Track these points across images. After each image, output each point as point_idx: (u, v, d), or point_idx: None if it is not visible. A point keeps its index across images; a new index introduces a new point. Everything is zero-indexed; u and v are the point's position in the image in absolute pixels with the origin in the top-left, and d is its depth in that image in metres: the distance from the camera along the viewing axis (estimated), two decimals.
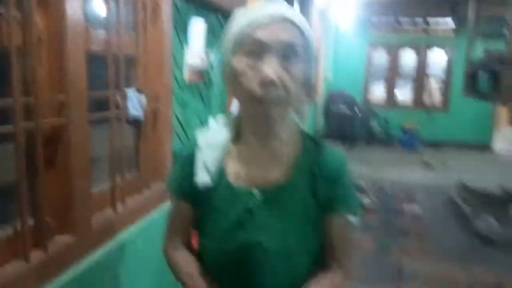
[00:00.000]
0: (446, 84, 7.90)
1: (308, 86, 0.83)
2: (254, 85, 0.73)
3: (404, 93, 8.64)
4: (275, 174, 0.83)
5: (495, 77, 3.39)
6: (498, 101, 3.29)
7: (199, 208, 0.87)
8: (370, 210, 4.13)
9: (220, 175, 0.84)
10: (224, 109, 2.59)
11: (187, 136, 2.04)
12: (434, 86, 8.57)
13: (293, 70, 0.75)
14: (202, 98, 2.25)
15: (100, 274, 1.21)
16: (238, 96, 0.80)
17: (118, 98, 1.32)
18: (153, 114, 1.57)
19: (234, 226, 0.81)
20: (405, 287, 2.65)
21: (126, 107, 1.34)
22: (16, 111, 0.91)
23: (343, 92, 7.85)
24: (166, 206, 1.63)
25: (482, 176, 5.73)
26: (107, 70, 1.26)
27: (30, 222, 1.01)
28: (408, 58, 8.29)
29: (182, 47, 1.88)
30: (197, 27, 2.00)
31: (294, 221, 0.81)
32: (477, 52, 4.76)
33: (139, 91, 1.40)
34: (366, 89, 8.37)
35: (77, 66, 1.08)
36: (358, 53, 8.18)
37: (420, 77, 8.12)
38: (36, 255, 1.00)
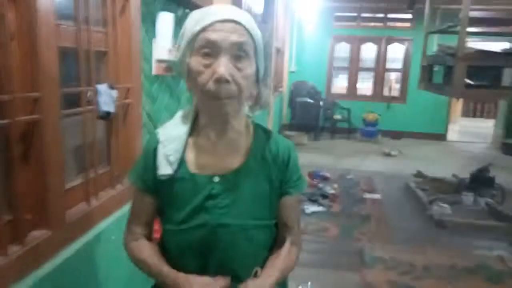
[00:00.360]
0: (404, 77, 8.24)
1: (263, 80, 0.92)
2: (209, 83, 0.80)
3: (365, 85, 8.94)
4: (232, 161, 0.91)
5: (448, 71, 3.60)
6: (451, 94, 3.50)
7: (162, 197, 0.93)
8: (334, 197, 4.29)
9: (181, 165, 0.91)
10: (192, 101, 2.62)
11: (155, 128, 2.06)
12: (393, 78, 8.94)
13: (243, 68, 0.82)
14: (171, 92, 2.26)
15: (77, 266, 1.24)
16: (195, 92, 0.87)
17: (90, 93, 1.33)
18: (124, 108, 1.59)
19: (197, 210, 0.88)
20: (366, 271, 2.81)
21: (97, 102, 1.35)
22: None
23: (307, 83, 8.02)
24: None
25: (437, 164, 6.08)
26: (78, 66, 1.27)
27: (7, 217, 1.02)
28: (369, 51, 8.57)
29: (150, 41, 1.89)
30: (165, 20, 2.01)
31: (251, 202, 0.91)
32: (433, 46, 5.01)
33: (111, 86, 1.41)
34: (329, 81, 8.58)
35: (49, 62, 1.09)
36: (321, 46, 8.35)
37: (380, 70, 8.42)
38: (13, 250, 1.01)
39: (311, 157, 6.30)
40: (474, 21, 4.04)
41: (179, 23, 2.17)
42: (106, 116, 1.39)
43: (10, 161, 1.01)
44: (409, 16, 7.94)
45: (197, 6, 2.38)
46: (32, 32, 1.03)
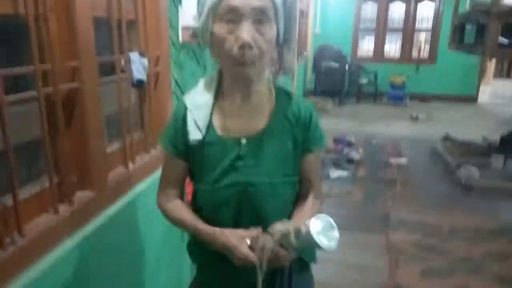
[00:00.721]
0: (434, 37, 7.92)
1: (286, 44, 0.95)
2: (233, 49, 0.83)
3: (393, 47, 8.66)
4: (257, 123, 0.96)
5: (481, 30, 3.46)
6: (483, 54, 3.37)
7: (193, 160, 0.99)
8: (359, 162, 4.31)
9: (209, 130, 0.95)
10: (217, 68, 2.65)
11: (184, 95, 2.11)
12: (422, 39, 8.59)
13: (265, 32, 0.85)
14: (197, 59, 2.29)
15: (119, 225, 1.34)
16: (220, 58, 0.90)
17: (123, 62, 1.38)
18: (154, 76, 1.64)
19: (227, 170, 0.94)
20: (391, 233, 2.86)
21: (131, 70, 1.40)
22: (37, 78, 0.98)
23: (332, 47, 7.83)
24: None
25: (467, 127, 5.94)
26: (111, 35, 1.31)
27: (55, 179, 1.11)
28: (397, 11, 8.23)
29: (176, 8, 1.91)
30: None
31: (276, 161, 0.96)
32: (465, 4, 4.78)
33: (142, 54, 1.46)
34: (355, 44, 8.35)
35: (86, 32, 1.13)
36: (346, 7, 8.08)
37: (409, 30, 8.11)
38: (63, 209, 1.11)
39: (336, 122, 6.27)
40: None
41: None
42: (140, 84, 1.45)
43: (55, 126, 1.09)
44: None
45: None
46: (69, 2, 1.07)
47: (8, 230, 0.94)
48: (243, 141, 0.95)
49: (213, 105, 0.97)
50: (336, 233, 0.79)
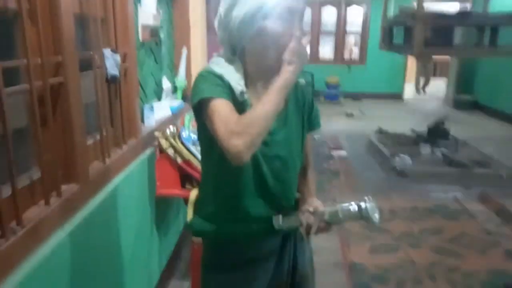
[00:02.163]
0: (364, 40, 8.53)
1: None
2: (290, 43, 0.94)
3: (327, 49, 9.16)
4: None
5: (408, 32, 3.85)
6: (411, 53, 3.76)
7: None
8: None
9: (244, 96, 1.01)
10: (172, 67, 2.70)
11: (145, 94, 2.15)
12: (352, 42, 9.20)
13: (303, 27, 1.01)
14: (155, 57, 2.34)
15: (101, 217, 1.37)
16: (267, 51, 0.99)
17: (97, 58, 1.41)
18: (123, 72, 1.67)
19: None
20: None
21: (105, 66, 1.44)
22: (30, 71, 1.01)
23: None
24: (140, 159, 1.79)
25: (396, 121, 6.49)
26: (88, 32, 1.35)
27: (43, 172, 1.12)
28: (329, 15, 8.73)
29: (136, 7, 1.95)
30: None
31: (295, 137, 1.11)
32: (391, 9, 5.24)
33: (114, 51, 1.50)
34: None
35: (68, 28, 1.17)
36: None
37: (340, 33, 8.64)
38: (53, 200, 1.13)
39: None
40: None
41: None
42: (113, 79, 1.48)
43: (41, 121, 1.10)
44: None
45: None
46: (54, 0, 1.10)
47: (7, 220, 0.96)
48: None
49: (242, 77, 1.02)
50: (379, 212, 1.01)
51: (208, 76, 1.00)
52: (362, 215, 0.99)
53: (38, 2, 1.06)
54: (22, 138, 1.11)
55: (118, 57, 1.51)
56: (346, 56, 8.77)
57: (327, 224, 1.07)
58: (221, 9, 1.03)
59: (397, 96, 8.61)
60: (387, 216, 3.15)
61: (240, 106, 0.98)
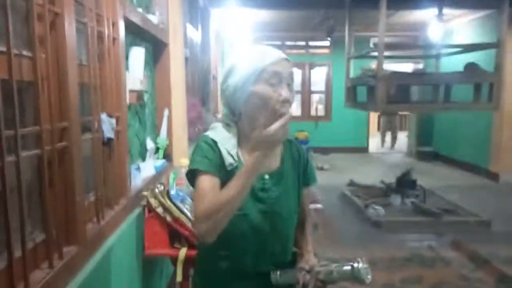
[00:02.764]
0: (328, 98, 9.02)
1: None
2: (277, 104, 1.03)
3: (294, 107, 9.57)
4: (272, 163, 1.15)
5: (371, 90, 4.17)
6: (375, 109, 4.04)
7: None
8: None
9: (238, 160, 1.10)
10: (155, 127, 2.78)
11: (131, 155, 2.20)
12: (317, 100, 9.71)
13: (292, 91, 1.09)
14: (139, 119, 2.42)
15: (99, 277, 1.36)
16: (259, 112, 1.05)
17: (95, 122, 1.48)
18: (115, 135, 1.73)
19: (254, 199, 1.09)
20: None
21: (102, 130, 1.50)
22: (43, 137, 1.06)
23: None
24: (130, 219, 1.80)
25: (365, 173, 6.73)
26: (89, 98, 1.42)
27: (45, 235, 1.14)
28: (295, 76, 9.24)
29: (124, 73, 2.06)
30: (137, 54, 2.20)
31: (290, 194, 1.17)
32: (353, 69, 5.66)
33: (109, 115, 1.57)
34: None
35: (74, 96, 1.24)
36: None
37: (306, 92, 9.12)
38: (56, 263, 1.13)
39: None
40: (386, 46, 4.69)
41: (146, 57, 2.37)
42: (109, 141, 1.54)
43: (49, 183, 1.14)
44: (327, 43, 8.79)
45: (160, 42, 2.60)
46: (62, 70, 1.19)
47: (15, 283, 0.96)
48: (266, 176, 1.12)
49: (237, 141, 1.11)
50: (370, 273, 1.05)
51: (203, 146, 1.09)
52: (354, 276, 1.03)
53: (50, 73, 1.14)
54: (28, 201, 1.12)
55: (113, 121, 1.58)
56: (313, 113, 9.19)
57: (323, 283, 1.09)
58: (221, 77, 1.15)
59: (363, 150, 8.99)
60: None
61: (232, 171, 1.06)
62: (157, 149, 2.71)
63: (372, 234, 4.00)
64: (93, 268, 1.32)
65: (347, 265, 1.04)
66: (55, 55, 1.18)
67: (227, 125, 1.15)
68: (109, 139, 1.54)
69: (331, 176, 6.65)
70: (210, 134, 1.13)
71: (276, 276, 1.11)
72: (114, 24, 1.68)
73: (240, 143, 1.14)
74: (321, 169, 7.21)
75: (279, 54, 1.09)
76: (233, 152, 1.10)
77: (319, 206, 4.90)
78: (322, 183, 6.53)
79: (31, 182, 1.10)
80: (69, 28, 1.21)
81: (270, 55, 1.08)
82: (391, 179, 5.11)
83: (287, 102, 1.05)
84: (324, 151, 8.75)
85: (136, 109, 2.32)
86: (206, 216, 0.97)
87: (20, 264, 0.97)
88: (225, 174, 1.06)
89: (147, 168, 2.29)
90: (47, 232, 1.10)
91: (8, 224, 0.90)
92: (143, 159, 2.43)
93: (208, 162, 1.06)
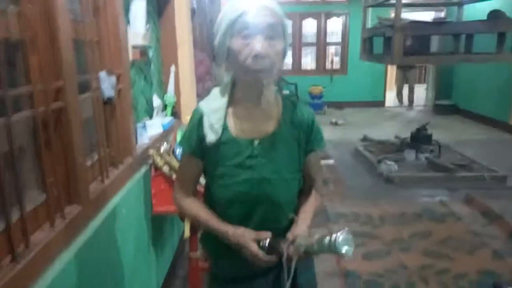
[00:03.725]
0: (344, 50, 8.71)
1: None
2: (248, 59, 0.97)
3: (309, 60, 9.32)
4: (267, 127, 1.10)
5: (387, 41, 3.98)
6: (391, 62, 3.88)
7: (209, 159, 1.10)
8: None
9: (224, 131, 1.08)
10: (161, 84, 2.74)
11: (137, 113, 2.18)
12: (333, 52, 9.39)
13: (275, 45, 0.99)
14: (145, 76, 2.37)
15: (103, 236, 1.39)
16: (235, 69, 1.03)
17: (94, 81, 1.44)
18: (117, 93, 1.70)
19: (242, 167, 1.07)
20: (332, 226, 3.16)
21: (101, 89, 1.47)
22: (35, 97, 1.03)
23: None
24: (137, 178, 1.81)
25: (380, 128, 6.63)
26: (86, 56, 1.38)
27: (46, 195, 1.14)
28: (310, 27, 8.91)
29: (126, 28, 1.99)
30: (138, 7, 2.11)
31: (284, 159, 1.11)
32: (369, 20, 5.41)
33: (109, 73, 1.53)
34: None
35: (68, 54, 1.20)
36: None
37: (321, 44, 8.82)
38: (58, 222, 1.15)
39: None
40: None
41: (148, 10, 2.27)
42: (109, 100, 1.51)
43: (45, 145, 1.13)
44: None
45: None
46: (53, 27, 1.14)
47: (15, 244, 0.97)
48: (256, 141, 1.07)
49: (227, 109, 1.08)
50: (353, 244, 0.96)
51: (191, 121, 1.12)
52: (331, 249, 0.95)
53: (38, 30, 1.09)
54: (25, 163, 1.12)
55: (113, 79, 1.54)
56: (328, 66, 8.93)
57: (305, 255, 1.03)
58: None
59: (379, 104, 8.79)
60: (377, 222, 3.22)
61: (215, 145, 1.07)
62: (165, 106, 2.68)
63: (384, 189, 3.98)
64: (98, 226, 1.34)
65: (326, 238, 0.97)
66: (43, 8, 1.12)
67: (222, 90, 1.11)
68: (110, 98, 1.51)
69: (345, 132, 6.57)
70: (201, 104, 1.11)
71: (264, 243, 1.05)
72: None
73: (231, 105, 1.10)
74: (335, 124, 7.12)
75: (255, 2, 0.98)
76: (217, 125, 1.06)
77: (330, 161, 4.88)
78: (335, 138, 6.52)
79: (27, 143, 1.09)
80: None
81: (243, 3, 0.98)
82: (407, 134, 5.02)
83: (262, 57, 0.96)
84: (339, 105, 8.60)
85: (140, 66, 2.27)
86: (177, 205, 1.19)
87: (19, 225, 0.98)
88: (207, 149, 1.08)
89: (154, 126, 2.27)
90: (47, 193, 1.10)
91: (2, 186, 0.90)
92: (150, 117, 2.41)
93: (190, 142, 1.10)
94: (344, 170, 4.60)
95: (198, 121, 1.09)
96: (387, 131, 6.14)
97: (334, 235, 0.95)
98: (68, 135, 1.22)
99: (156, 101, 2.48)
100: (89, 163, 1.47)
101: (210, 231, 1.10)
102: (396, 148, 4.91)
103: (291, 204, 1.14)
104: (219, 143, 1.07)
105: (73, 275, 1.14)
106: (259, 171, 1.07)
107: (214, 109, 1.08)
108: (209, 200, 1.15)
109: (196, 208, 1.14)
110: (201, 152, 1.10)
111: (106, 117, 1.65)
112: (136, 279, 1.78)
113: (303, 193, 1.20)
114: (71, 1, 1.34)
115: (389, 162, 4.31)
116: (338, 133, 6.54)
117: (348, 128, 6.92)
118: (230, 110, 1.10)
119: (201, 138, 1.08)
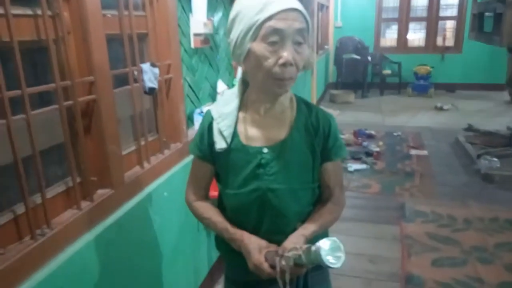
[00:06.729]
0: (460, 25, 7.74)
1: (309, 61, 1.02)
2: (275, 67, 0.90)
3: (417, 37, 8.51)
4: (278, 133, 1.03)
5: (498, 19, 3.41)
6: (498, 42, 3.32)
7: (219, 165, 1.08)
8: (378, 155, 4.35)
9: (234, 138, 1.04)
10: (231, 70, 2.78)
11: (198, 99, 2.27)
12: (447, 27, 8.39)
13: (302, 51, 0.92)
14: (210, 62, 2.43)
15: (136, 218, 1.50)
16: (254, 73, 0.95)
17: (135, 73, 1.53)
18: (166, 83, 1.79)
19: (250, 177, 1.02)
20: (405, 224, 2.92)
21: (142, 80, 1.56)
22: (58, 93, 1.15)
23: (353, 39, 7.81)
24: (185, 162, 1.90)
25: (493, 117, 5.82)
26: (124, 49, 1.47)
27: (78, 179, 1.28)
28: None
29: (187, 16, 2.05)
30: None
31: (296, 169, 1.03)
32: None
33: (153, 64, 1.61)
34: (377, 34, 8.27)
35: (100, 49, 1.29)
36: None
37: (433, 18, 7.95)
38: (84, 205, 1.28)
39: (358, 115, 6.28)
40: None
41: None
42: (151, 91, 1.60)
43: (76, 134, 1.25)
44: None
45: None
46: (84, 25, 1.23)
47: (38, 223, 1.12)
48: (265, 150, 1.01)
49: (238, 115, 1.04)
50: (342, 254, 0.87)
51: (201, 126, 1.09)
52: (316, 260, 0.86)
53: (71, 31, 1.19)
54: (56, 151, 1.26)
55: (157, 70, 1.62)
56: (440, 43, 8.04)
57: (299, 266, 0.93)
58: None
59: (498, 88, 7.67)
60: (460, 226, 2.88)
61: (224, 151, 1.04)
62: None
63: (479, 189, 3.52)
64: (130, 208, 1.45)
65: (312, 248, 0.88)
66: (76, 9, 1.22)
67: (233, 94, 1.06)
68: (152, 89, 1.59)
69: (449, 119, 5.93)
70: (212, 107, 1.08)
71: (266, 255, 0.99)
72: None
73: (242, 109, 1.05)
74: (440, 109, 6.46)
75: (282, 4, 0.88)
76: (227, 133, 1.02)
77: (423, 152, 4.48)
78: (435, 126, 6.00)
79: (64, 133, 1.21)
80: None
81: (268, 6, 0.88)
82: None
83: (291, 65, 0.90)
84: (450, 87, 7.75)
85: (204, 52, 2.33)
86: (189, 207, 1.18)
87: (42, 207, 1.12)
88: (217, 155, 1.05)
89: None
90: (75, 178, 1.23)
91: (18, 170, 1.03)
92: (214, 101, 2.48)
93: (200, 147, 1.08)
94: (437, 163, 4.18)
95: (208, 126, 1.06)
96: (500, 121, 5.36)
97: (317, 245, 0.88)
98: (100, 126, 1.33)
99: (221, 86, 2.54)
100: (131, 149, 1.59)
101: (223, 236, 1.08)
102: (505, 142, 4.27)
103: (301, 215, 1.06)
104: (229, 150, 1.03)
105: (92, 254, 1.26)
106: (266, 181, 1.02)
107: (225, 115, 1.04)
108: (221, 205, 1.14)
109: (210, 211, 1.11)
110: (211, 157, 1.08)
111: (154, 105, 1.76)
112: (181, 256, 1.90)
113: (320, 204, 1.10)
114: None
115: (490, 158, 3.78)
116: (441, 119, 5.93)
117: (454, 114, 6.22)
118: (241, 115, 1.05)
119: (211, 144, 1.06)
